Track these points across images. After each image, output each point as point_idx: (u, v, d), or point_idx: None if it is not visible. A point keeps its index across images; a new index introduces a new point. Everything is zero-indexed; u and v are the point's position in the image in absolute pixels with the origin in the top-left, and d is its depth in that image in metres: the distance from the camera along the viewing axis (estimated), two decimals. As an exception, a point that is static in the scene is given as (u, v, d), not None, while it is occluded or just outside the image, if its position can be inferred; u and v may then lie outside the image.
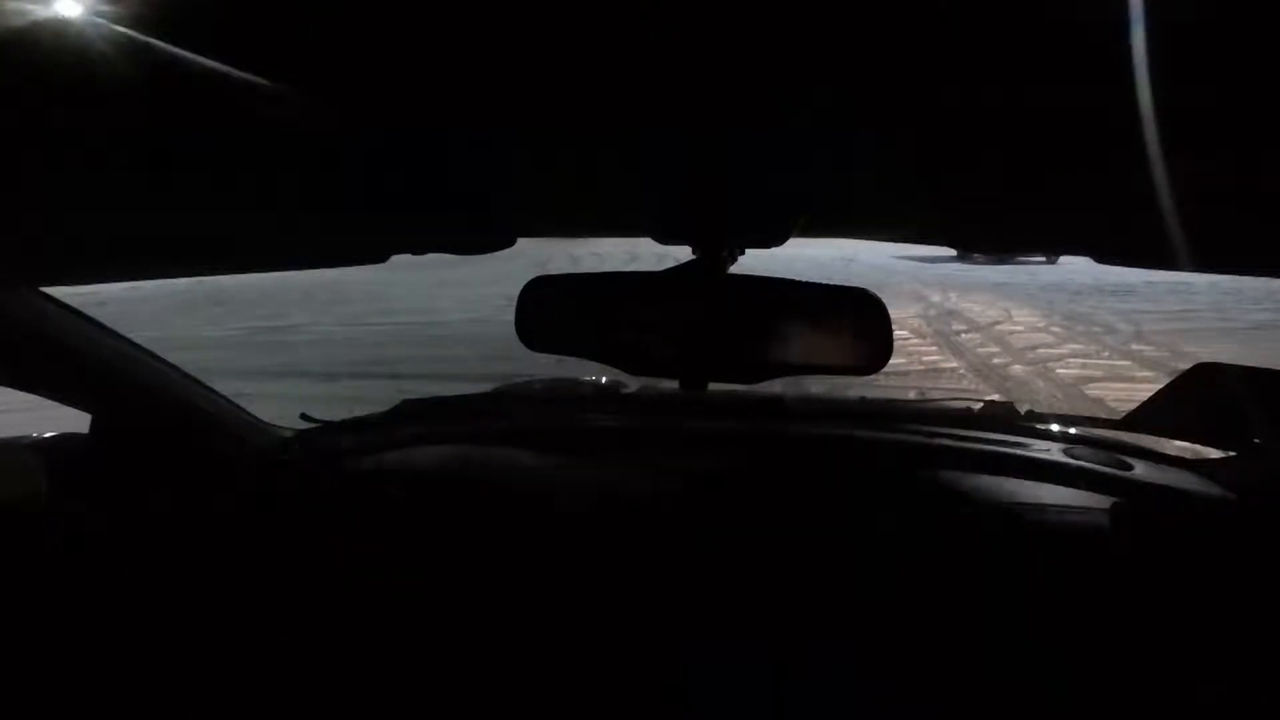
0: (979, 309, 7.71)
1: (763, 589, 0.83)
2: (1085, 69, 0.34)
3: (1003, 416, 1.12)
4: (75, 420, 0.86)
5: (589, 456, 0.98)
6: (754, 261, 0.78)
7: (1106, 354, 5.66)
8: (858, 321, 0.68)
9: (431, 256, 0.87)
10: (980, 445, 0.99)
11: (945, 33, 0.32)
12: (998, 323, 6.95)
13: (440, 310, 7.81)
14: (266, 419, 1.12)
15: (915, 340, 6.03)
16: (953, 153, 0.51)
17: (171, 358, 0.94)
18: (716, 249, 0.74)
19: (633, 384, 1.29)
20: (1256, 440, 0.86)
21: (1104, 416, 1.09)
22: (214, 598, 0.75)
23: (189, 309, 8.00)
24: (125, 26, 0.29)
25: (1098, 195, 0.56)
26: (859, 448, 1.01)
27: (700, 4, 0.30)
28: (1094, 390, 4.59)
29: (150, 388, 0.90)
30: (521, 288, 0.76)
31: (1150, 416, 0.96)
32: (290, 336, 6.65)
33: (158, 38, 0.30)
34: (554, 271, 0.77)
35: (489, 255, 0.86)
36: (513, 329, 0.76)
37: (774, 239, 0.78)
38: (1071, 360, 5.43)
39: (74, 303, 0.78)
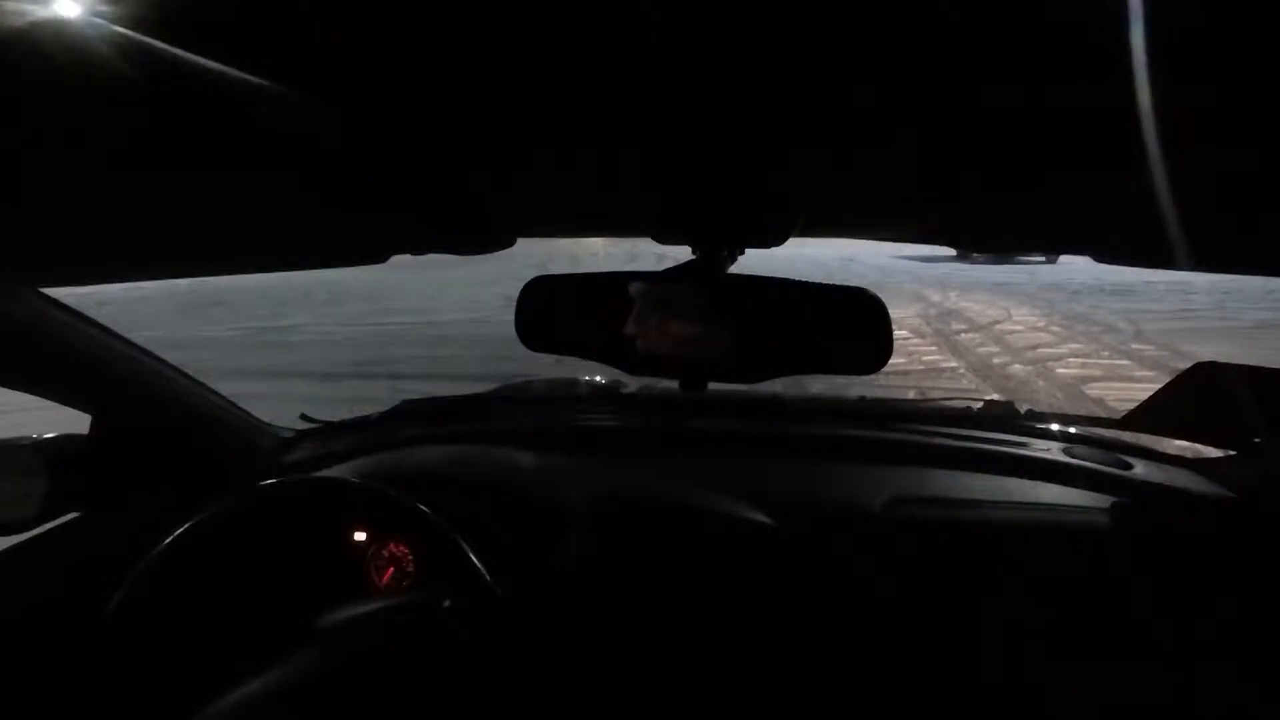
0: (979, 308, 7.71)
1: (763, 589, 0.83)
2: (1085, 69, 0.34)
3: (1003, 416, 1.12)
4: (75, 420, 0.86)
5: (589, 456, 0.98)
6: (754, 261, 0.78)
7: (1106, 353, 5.66)
8: (858, 321, 0.68)
9: (431, 256, 0.86)
10: (980, 445, 0.99)
11: (945, 33, 0.32)
12: (997, 322, 6.95)
13: (440, 310, 7.82)
14: (266, 419, 1.12)
15: (915, 340, 6.03)
16: (953, 153, 0.51)
17: (171, 358, 0.94)
18: (716, 249, 0.74)
19: (633, 384, 1.29)
20: (1256, 440, 0.86)
21: (1104, 416, 1.09)
22: (213, 598, 0.75)
23: (189, 309, 8.01)
24: (125, 26, 0.29)
25: (1098, 195, 0.56)
26: (859, 448, 1.01)
27: (700, 4, 0.30)
28: (1094, 390, 4.59)
29: (150, 388, 0.89)
30: (521, 288, 0.76)
31: (1150, 416, 0.96)
32: (290, 336, 6.65)
33: (158, 38, 0.30)
34: (554, 271, 0.77)
35: (489, 255, 0.86)
36: (512, 329, 0.76)
37: (774, 239, 0.78)
38: (1071, 360, 5.43)
39: (74, 303, 0.78)
